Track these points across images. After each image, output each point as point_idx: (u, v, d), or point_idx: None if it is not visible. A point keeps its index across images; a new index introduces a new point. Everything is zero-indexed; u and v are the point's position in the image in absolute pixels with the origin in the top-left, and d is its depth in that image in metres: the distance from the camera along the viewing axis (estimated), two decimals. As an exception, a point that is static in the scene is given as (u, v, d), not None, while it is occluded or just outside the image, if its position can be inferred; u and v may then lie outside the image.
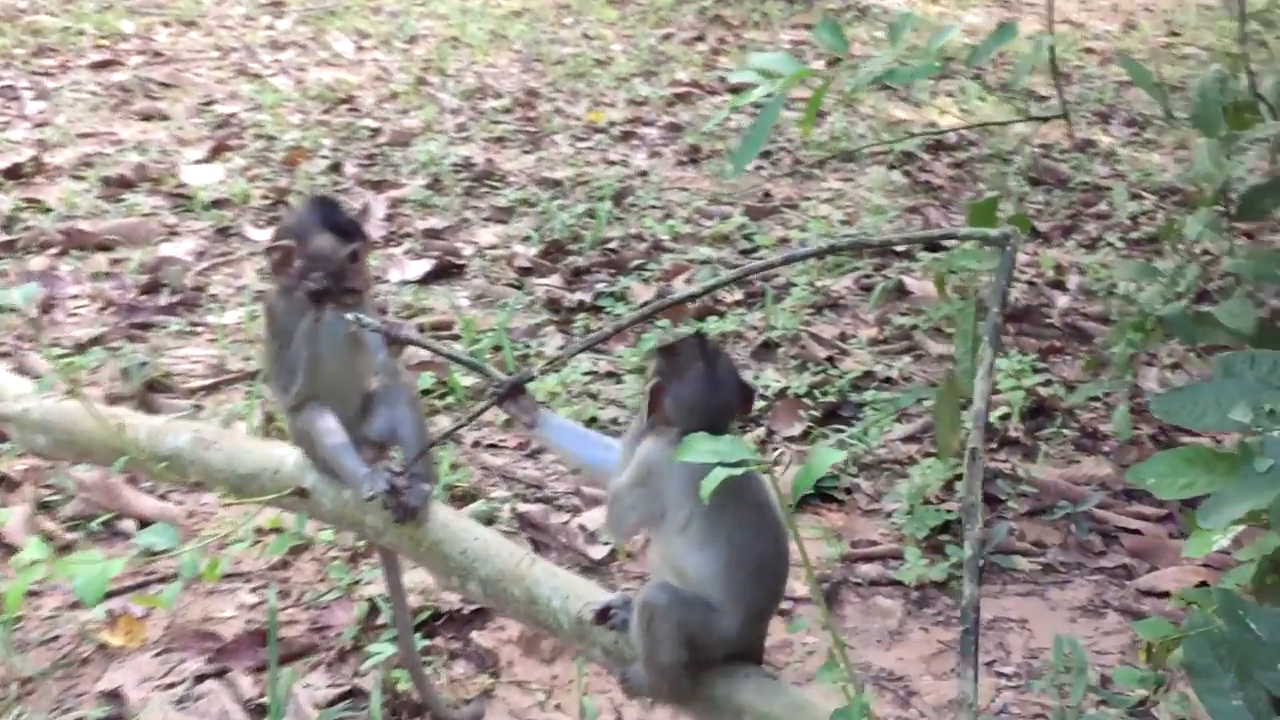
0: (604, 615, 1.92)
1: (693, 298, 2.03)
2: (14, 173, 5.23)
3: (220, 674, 2.55)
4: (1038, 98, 7.57)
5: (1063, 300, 4.66)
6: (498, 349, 3.98)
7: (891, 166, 6.29)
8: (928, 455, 3.40)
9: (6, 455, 3.16)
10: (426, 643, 2.60)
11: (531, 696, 2.52)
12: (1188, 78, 7.59)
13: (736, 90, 7.86)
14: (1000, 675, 2.56)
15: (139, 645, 2.62)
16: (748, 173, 6.20)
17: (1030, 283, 4.80)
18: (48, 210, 4.96)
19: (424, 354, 3.44)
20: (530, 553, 2.09)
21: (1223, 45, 9.21)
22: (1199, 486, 1.92)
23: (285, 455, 2.26)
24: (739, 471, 1.58)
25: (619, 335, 4.25)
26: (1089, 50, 9.28)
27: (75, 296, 4.29)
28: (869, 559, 2.93)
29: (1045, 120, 3.39)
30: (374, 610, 2.71)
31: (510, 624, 2.68)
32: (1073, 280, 4.86)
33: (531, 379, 2.05)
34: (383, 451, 2.26)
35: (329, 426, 2.16)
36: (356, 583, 2.81)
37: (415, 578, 2.70)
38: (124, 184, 5.32)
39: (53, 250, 4.61)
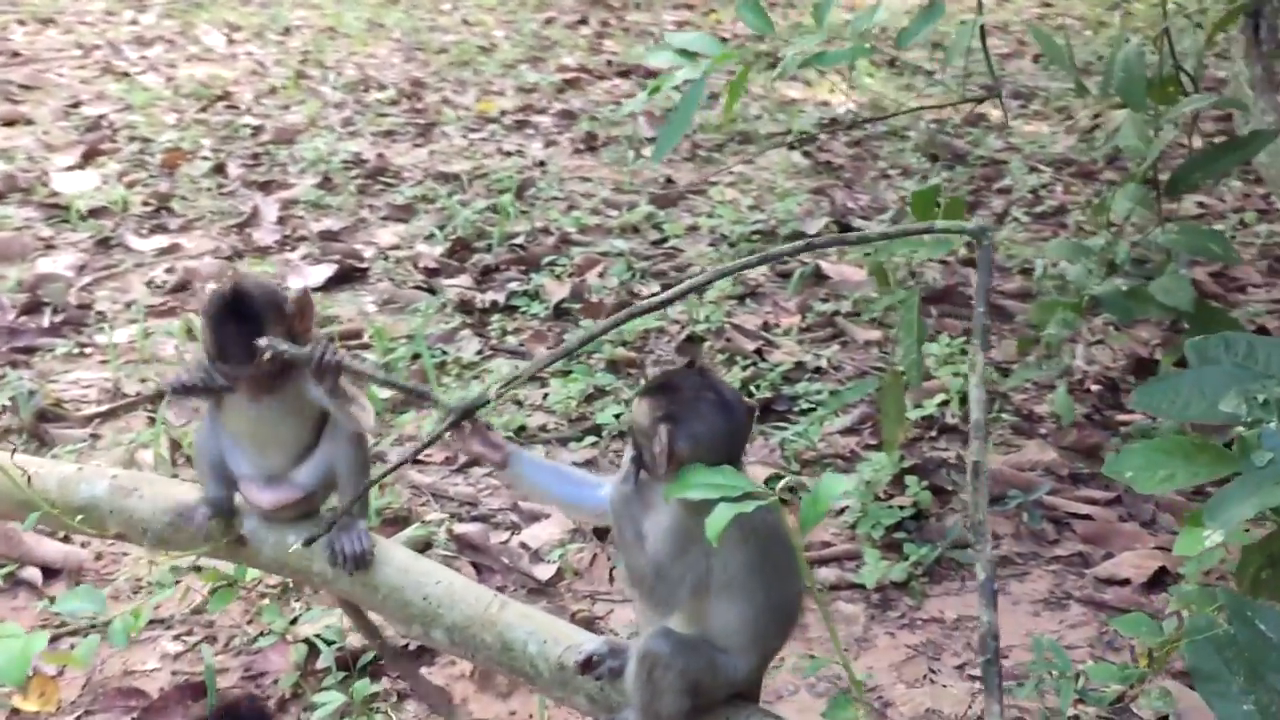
0: (588, 665, 1.78)
1: (695, 289, 1.89)
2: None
3: (147, 734, 2.35)
4: (925, 73, 7.59)
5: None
6: (416, 358, 3.80)
7: (791, 147, 6.22)
8: (869, 448, 3.33)
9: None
10: (372, 687, 2.43)
11: (492, 736, 2.38)
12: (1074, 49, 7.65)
13: (628, 74, 7.76)
14: (974, 679, 2.49)
15: (54, 709, 2.40)
16: (644, 160, 6.08)
17: (943, 262, 4.76)
18: (-92, 228, 4.62)
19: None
20: (499, 595, 1.93)
21: (1094, 15, 9.39)
22: (1180, 479, 1.85)
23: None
24: (750, 508, 1.46)
25: (537, 337, 4.10)
26: (964, 23, 9.35)
27: (-53, 322, 3.99)
28: (825, 562, 2.84)
29: (980, 100, 3.32)
30: (313, 652, 2.53)
31: (462, 659, 2.52)
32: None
33: (486, 404, 1.89)
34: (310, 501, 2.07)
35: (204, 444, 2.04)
36: (293, 622, 2.62)
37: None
38: (-10, 196, 4.97)
39: (-83, 272, 4.28)
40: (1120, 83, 3.02)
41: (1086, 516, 3.00)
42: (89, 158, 5.54)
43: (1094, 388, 3.60)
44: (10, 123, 6.02)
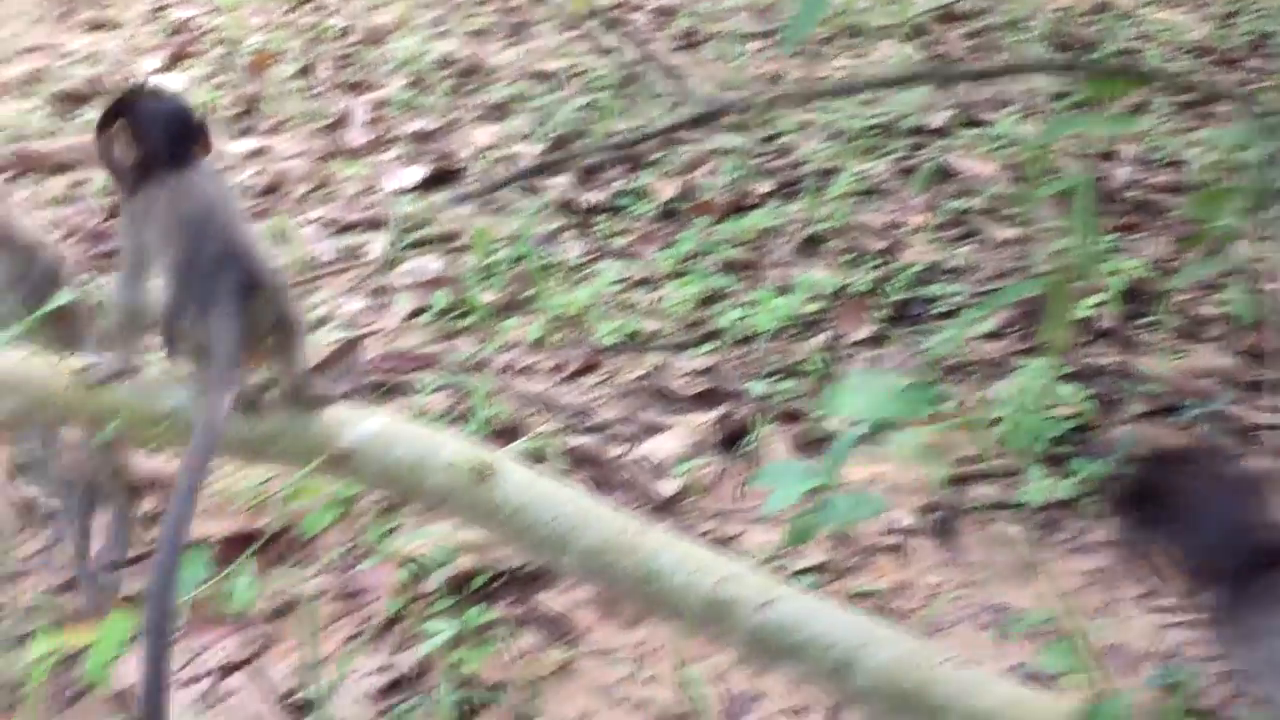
0: None
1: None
2: (-49, 91, 4.73)
3: (246, 663, 2.16)
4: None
5: (1121, 172, 4.25)
6: (518, 260, 3.56)
7: (904, 40, 5.83)
8: (1018, 354, 3.02)
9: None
10: (486, 614, 2.21)
11: (620, 668, 2.15)
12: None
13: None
14: (1160, 611, 2.20)
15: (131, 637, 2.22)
16: (749, 56, 5.75)
17: (1083, 156, 4.38)
18: (-6, 132, 4.49)
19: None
20: (638, 518, 1.69)
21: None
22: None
23: (313, 409, 1.85)
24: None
25: (645, 238, 3.83)
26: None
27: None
28: (978, 478, 2.56)
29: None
30: (418, 576, 2.32)
31: (583, 584, 2.29)
32: (1127, 150, 4.45)
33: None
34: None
35: None
36: (390, 539, 2.40)
37: (465, 534, 2.32)
38: (77, 99, 4.82)
39: (4, 175, 4.13)
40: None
41: (1275, 427, 2.67)
42: (175, 61, 5.36)
43: (1270, 286, 3.24)
44: (97, 26, 5.87)
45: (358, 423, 1.78)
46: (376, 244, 3.79)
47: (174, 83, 5.11)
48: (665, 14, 6.34)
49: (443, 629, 2.12)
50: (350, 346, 3.08)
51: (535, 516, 1.68)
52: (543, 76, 5.34)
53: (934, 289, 3.35)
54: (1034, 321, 3.14)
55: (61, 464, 2.25)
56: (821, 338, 3.17)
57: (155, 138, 1.87)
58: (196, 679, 2.10)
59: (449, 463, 1.71)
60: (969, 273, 3.48)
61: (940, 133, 4.55)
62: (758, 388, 2.92)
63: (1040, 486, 2.48)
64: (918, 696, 1.44)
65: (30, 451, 2.31)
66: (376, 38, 5.76)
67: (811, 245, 3.70)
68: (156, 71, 5.26)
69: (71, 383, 1.85)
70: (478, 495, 1.70)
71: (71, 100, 4.81)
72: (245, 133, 4.69)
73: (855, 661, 1.47)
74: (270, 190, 4.18)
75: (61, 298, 2.10)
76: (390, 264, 3.67)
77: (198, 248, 1.78)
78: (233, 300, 1.74)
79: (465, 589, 2.27)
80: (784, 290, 3.33)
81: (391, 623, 2.25)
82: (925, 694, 1.44)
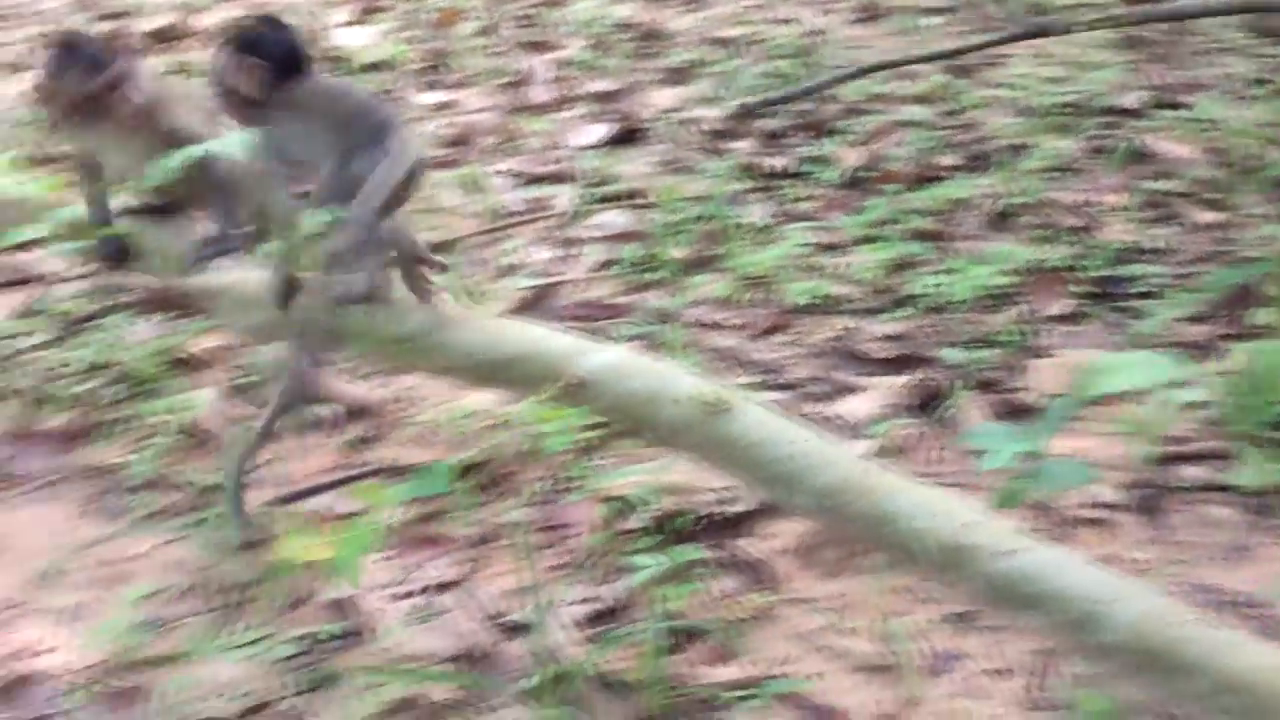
0: None
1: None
2: (162, 35, 4.92)
3: (455, 585, 2.23)
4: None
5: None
6: (704, 219, 3.58)
7: (1092, 27, 5.65)
8: (1225, 338, 2.93)
9: (195, 334, 2.86)
10: (690, 554, 2.24)
11: (819, 617, 2.15)
12: None
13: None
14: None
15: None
16: (930, 30, 5.66)
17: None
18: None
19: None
20: (874, 460, 1.69)
21: None
22: None
23: (545, 337, 1.89)
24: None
25: (831, 205, 3.80)
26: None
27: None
28: (1192, 459, 2.50)
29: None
30: (621, 513, 2.36)
31: (782, 532, 2.31)
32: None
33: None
34: None
35: None
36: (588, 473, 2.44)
37: (666, 477, 2.36)
38: (274, 47, 4.98)
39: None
40: None
41: None
42: (365, 13, 5.50)
43: None
44: (290, -22, 6.03)
45: (592, 353, 1.81)
46: (562, 197, 3.84)
47: (362, 36, 5.25)
48: (844, -15, 6.29)
49: (649, 564, 2.15)
50: (547, 291, 3.13)
51: (770, 453, 1.69)
52: (721, 43, 5.35)
53: (1134, 269, 3.27)
54: (1239, 305, 3.04)
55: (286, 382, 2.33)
56: (1014, 311, 3.12)
57: (285, 58, 2.11)
58: (410, 594, 2.17)
59: (685, 396, 1.73)
60: (1169, 255, 3.38)
61: (1134, 114, 4.42)
62: (952, 355, 2.89)
63: (1256, 469, 2.40)
64: (1168, 654, 1.42)
65: (273, 367, 2.41)
66: (557, 0, 5.82)
67: (1002, 219, 3.64)
68: (346, 24, 5.41)
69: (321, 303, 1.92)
70: (712, 430, 1.72)
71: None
72: (432, 86, 4.79)
73: (1102, 616, 1.45)
74: (458, 142, 4.26)
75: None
76: (577, 216, 3.72)
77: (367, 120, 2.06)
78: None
79: (666, 529, 2.30)
80: (977, 262, 3.29)
81: (592, 556, 2.29)
82: (1176, 652, 1.42)
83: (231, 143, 1.88)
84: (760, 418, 1.73)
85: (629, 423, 1.89)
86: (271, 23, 2.21)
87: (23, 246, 2.65)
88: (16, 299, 3.03)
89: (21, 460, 2.46)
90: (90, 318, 2.91)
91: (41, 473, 2.43)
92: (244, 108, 2.15)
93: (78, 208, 2.41)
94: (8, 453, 2.47)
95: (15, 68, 4.71)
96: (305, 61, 2.16)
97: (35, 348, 2.78)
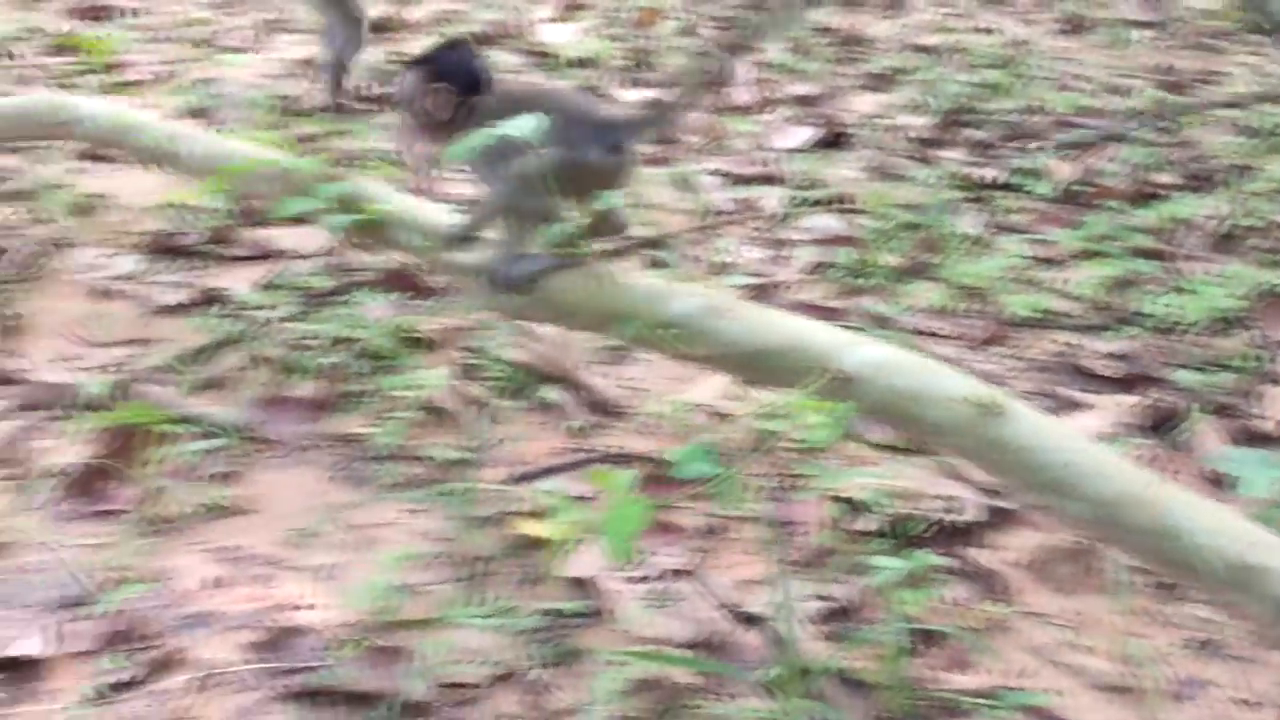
0: None
1: None
2: (381, 27, 5.10)
3: (688, 573, 2.27)
4: None
5: None
6: (913, 227, 3.56)
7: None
8: None
9: (425, 318, 2.97)
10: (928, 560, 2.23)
11: (1055, 632, 2.14)
12: None
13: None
14: None
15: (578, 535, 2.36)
16: (1139, 44, 5.53)
17: None
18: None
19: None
20: (1157, 475, 1.68)
21: None
22: None
23: (810, 328, 1.91)
24: None
25: (1045, 219, 3.75)
26: None
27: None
28: None
29: None
30: (850, 513, 2.37)
31: (1014, 545, 2.29)
32: None
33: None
34: None
35: None
36: (811, 475, 2.46)
37: (898, 481, 2.36)
38: (483, 40, 5.11)
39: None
40: None
41: None
42: (568, 10, 5.61)
43: None
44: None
45: (860, 346, 1.83)
46: (771, 198, 3.86)
47: (564, 33, 5.35)
48: (1046, -3, 6.18)
49: (888, 567, 2.16)
50: (761, 291, 3.16)
51: (1045, 459, 1.69)
52: (923, 50, 5.31)
53: (1371, 298, 3.16)
54: None
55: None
56: (1246, 335, 3.04)
57: (468, 79, 2.27)
58: (646, 579, 2.22)
59: (957, 396, 1.73)
60: None
61: (1364, 139, 4.27)
62: (1185, 377, 2.83)
63: None
64: None
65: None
66: (758, 2, 5.84)
67: (1227, 241, 3.55)
68: (548, 20, 5.52)
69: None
70: (984, 432, 1.72)
71: (478, 40, 5.09)
72: (636, 83, 4.86)
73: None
74: (666, 140, 4.32)
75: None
76: (786, 218, 3.74)
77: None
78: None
79: (899, 533, 2.31)
80: (1210, 283, 3.21)
81: (822, 554, 2.30)
82: None
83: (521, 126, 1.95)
84: (1036, 423, 1.73)
85: (894, 420, 1.90)
86: (454, 45, 2.38)
87: (295, 220, 2.77)
88: (257, 272, 3.17)
89: (274, 425, 2.58)
90: (331, 293, 3.04)
91: (292, 438, 2.55)
92: (434, 128, 2.34)
93: (347, 183, 2.52)
94: (261, 417, 2.59)
95: (241, 50, 4.93)
96: (487, 79, 2.30)
97: (282, 320, 2.91)
